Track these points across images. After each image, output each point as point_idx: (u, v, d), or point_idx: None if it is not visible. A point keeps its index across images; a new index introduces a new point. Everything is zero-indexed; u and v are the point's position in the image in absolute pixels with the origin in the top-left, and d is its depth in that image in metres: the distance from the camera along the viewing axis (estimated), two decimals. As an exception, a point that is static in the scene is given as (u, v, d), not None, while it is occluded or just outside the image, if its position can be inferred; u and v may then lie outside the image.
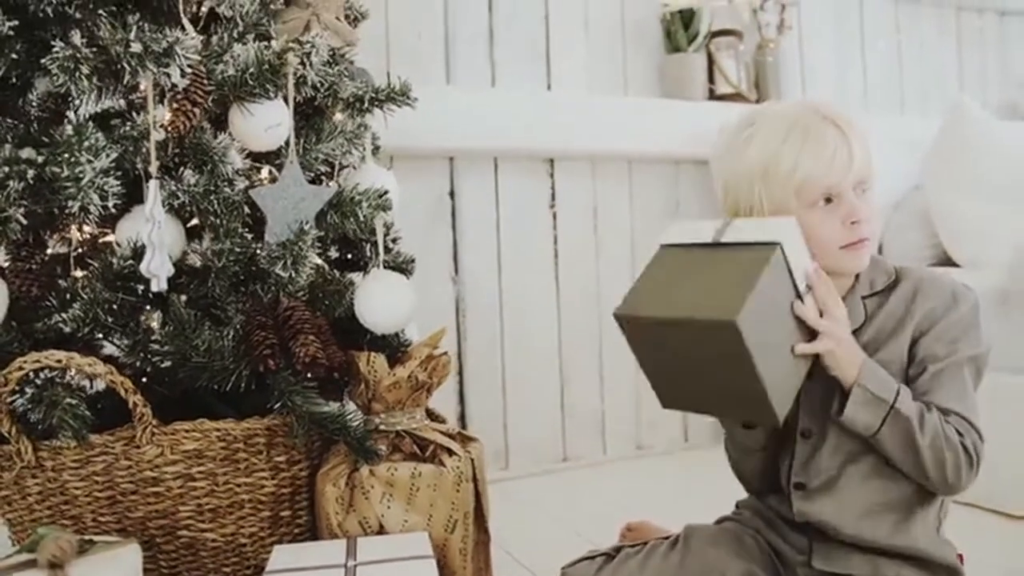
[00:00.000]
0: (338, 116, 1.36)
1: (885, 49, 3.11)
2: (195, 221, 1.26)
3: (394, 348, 1.34)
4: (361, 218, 1.20)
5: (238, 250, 1.16)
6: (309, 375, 1.16)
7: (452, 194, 2.35)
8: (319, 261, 1.27)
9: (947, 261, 2.24)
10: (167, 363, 1.11)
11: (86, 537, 0.99)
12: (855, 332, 1.03)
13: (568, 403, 2.46)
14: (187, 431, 1.14)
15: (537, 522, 1.93)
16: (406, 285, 1.23)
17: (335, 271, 1.30)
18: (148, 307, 1.14)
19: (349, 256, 1.42)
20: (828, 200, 1.02)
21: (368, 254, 1.37)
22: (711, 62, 2.67)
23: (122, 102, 1.18)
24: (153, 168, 1.08)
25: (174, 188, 1.14)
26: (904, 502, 1.02)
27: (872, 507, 1.02)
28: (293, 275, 1.14)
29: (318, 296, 1.24)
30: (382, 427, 1.22)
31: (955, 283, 1.03)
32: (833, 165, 1.01)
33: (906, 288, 1.04)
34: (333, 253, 1.42)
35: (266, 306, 1.17)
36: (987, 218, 2.10)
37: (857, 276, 1.06)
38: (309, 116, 1.38)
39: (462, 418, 2.32)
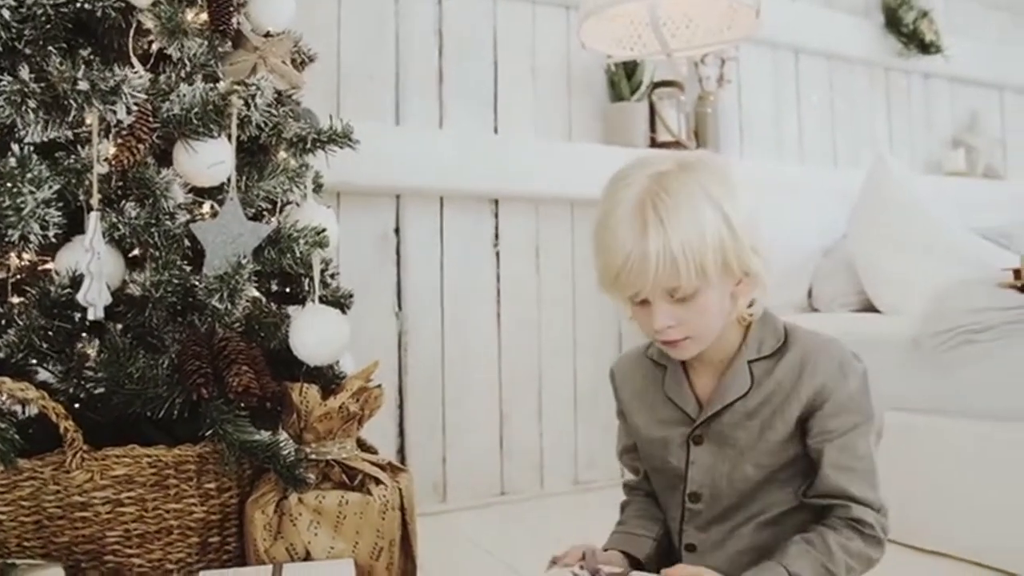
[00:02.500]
0: (281, 155, 1.41)
1: (818, 103, 3.27)
2: (136, 252, 1.29)
3: (329, 380, 1.38)
4: (298, 254, 1.25)
5: (176, 281, 1.19)
6: (242, 404, 1.19)
7: (397, 231, 2.40)
8: (256, 294, 1.32)
9: (871, 307, 2.35)
10: (100, 390, 1.14)
11: (8, 561, 1.01)
12: (741, 398, 1.05)
13: (507, 438, 2.51)
14: (118, 456, 1.16)
15: (471, 554, 1.97)
16: (340, 319, 1.28)
17: (272, 304, 1.34)
18: (84, 335, 1.17)
19: (288, 290, 1.46)
20: (643, 302, 0.99)
21: (306, 288, 1.42)
22: (653, 111, 2.79)
23: (68, 134, 1.21)
24: (95, 201, 1.12)
25: (115, 220, 1.17)
26: None
27: (762, 559, 1.04)
28: (229, 307, 1.18)
29: (254, 328, 1.28)
30: (312, 456, 1.26)
31: (843, 354, 1.03)
32: (619, 278, 0.96)
33: (793, 359, 1.04)
34: (273, 287, 1.46)
35: (202, 336, 1.21)
36: (905, 269, 2.21)
37: (746, 335, 1.06)
38: (253, 154, 1.42)
39: (401, 451, 2.35)
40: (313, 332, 1.25)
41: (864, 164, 2.66)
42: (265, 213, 1.42)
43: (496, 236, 2.54)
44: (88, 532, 1.17)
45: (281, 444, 1.19)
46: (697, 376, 1.12)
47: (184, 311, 1.25)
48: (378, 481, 1.25)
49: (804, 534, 1.02)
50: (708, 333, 1.03)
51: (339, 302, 1.44)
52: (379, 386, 1.35)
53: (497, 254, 2.54)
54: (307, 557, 1.20)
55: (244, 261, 1.20)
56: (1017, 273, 1.98)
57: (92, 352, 1.18)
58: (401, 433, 2.36)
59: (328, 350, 1.26)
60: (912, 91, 3.55)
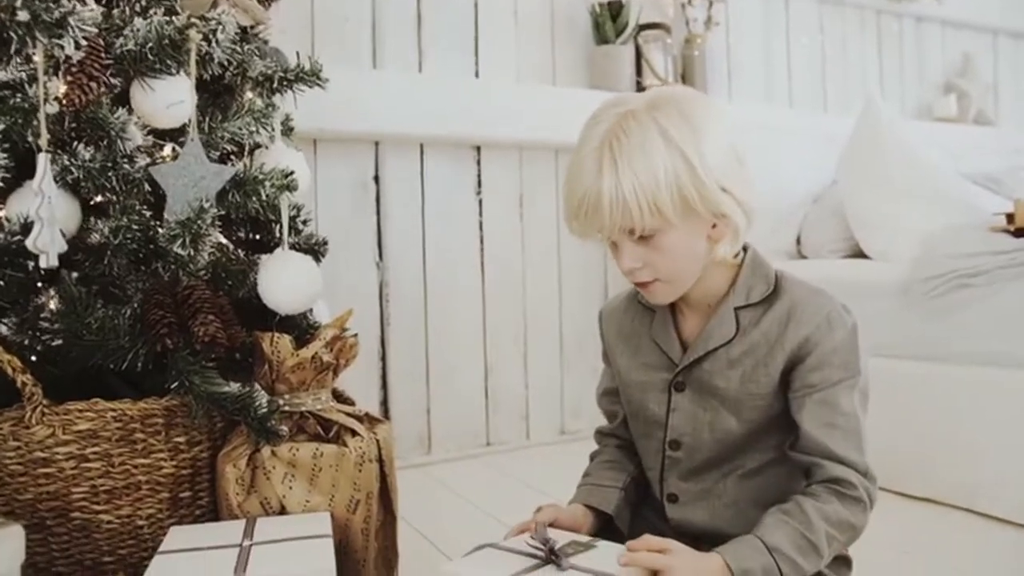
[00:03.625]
0: (247, 95, 1.34)
1: (808, 45, 3.20)
2: (99, 199, 1.23)
3: (303, 330, 1.33)
4: (264, 197, 1.19)
5: (136, 228, 1.14)
6: (209, 355, 1.14)
7: (377, 179, 2.34)
8: (223, 240, 1.26)
9: (860, 253, 2.32)
10: (58, 342, 1.09)
11: (-33, 519, 0.97)
12: (725, 345, 1.01)
13: (492, 388, 2.48)
14: (80, 411, 1.12)
15: (455, 505, 1.95)
16: (311, 265, 1.23)
17: (240, 252, 1.29)
18: (40, 285, 1.11)
19: (257, 237, 1.40)
20: (613, 241, 0.97)
21: (277, 235, 1.36)
22: (639, 55, 2.71)
23: (15, 72, 1.14)
24: (43, 141, 1.05)
25: (68, 163, 1.11)
26: (780, 498, 0.99)
27: (748, 509, 1.02)
28: (192, 253, 1.12)
29: (221, 276, 1.22)
30: (285, 408, 1.21)
31: (832, 306, 0.98)
32: (578, 217, 0.95)
33: (781, 309, 1.00)
34: (242, 235, 1.40)
35: (165, 285, 1.15)
36: (895, 214, 2.17)
37: (736, 280, 1.02)
38: (218, 95, 1.35)
39: (385, 403, 2.32)
40: (283, 278, 1.19)
41: (854, 110, 2.60)
42: (232, 157, 1.36)
43: (479, 183, 2.48)
44: (52, 489, 1.13)
45: (252, 395, 1.15)
46: (684, 320, 1.08)
47: (146, 260, 1.20)
48: (354, 433, 1.21)
49: (781, 504, 0.97)
50: (681, 276, 0.99)
51: (312, 249, 1.38)
52: (355, 335, 1.30)
53: (480, 202, 2.48)
54: (282, 511, 1.17)
55: (207, 205, 1.14)
56: (1010, 217, 1.94)
57: (51, 303, 1.12)
58: (384, 385, 2.33)
59: (299, 297, 1.21)
60: (904, 35, 3.47)
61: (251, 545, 1.03)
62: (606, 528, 1.10)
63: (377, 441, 1.24)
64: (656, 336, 1.09)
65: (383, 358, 2.32)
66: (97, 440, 1.13)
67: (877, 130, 2.32)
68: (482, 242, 2.48)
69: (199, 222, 1.12)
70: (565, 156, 2.58)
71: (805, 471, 1.01)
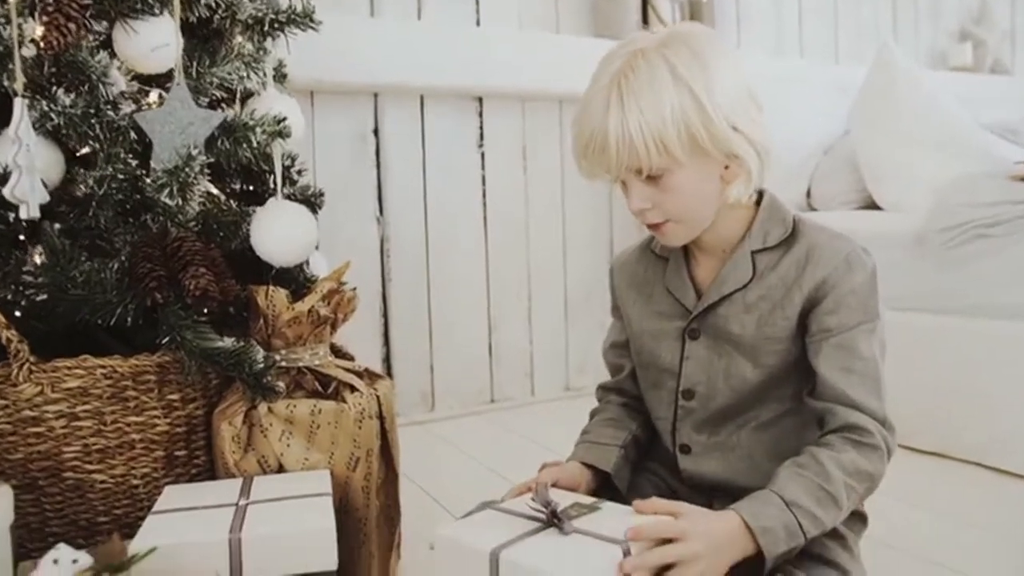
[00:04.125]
0: (237, 39, 1.28)
1: (820, -8, 3.10)
2: (83, 148, 1.18)
3: (299, 284, 1.29)
4: (255, 144, 1.13)
5: (122, 177, 1.09)
6: (202, 309, 1.10)
7: (376, 132, 2.27)
8: (213, 190, 1.21)
9: (873, 205, 2.26)
10: (43, 297, 1.04)
11: (-47, 479, 0.94)
12: (741, 289, 0.97)
13: (496, 344, 2.45)
14: (69, 368, 1.08)
15: (459, 462, 1.92)
16: (306, 215, 1.18)
17: (231, 202, 1.24)
18: (22, 237, 1.06)
19: (251, 188, 1.35)
20: (622, 182, 0.94)
21: (270, 186, 1.31)
22: (645, 1, 2.62)
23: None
24: (19, 85, 1.00)
25: (47, 109, 1.05)
26: (794, 453, 0.96)
27: (763, 461, 0.99)
28: (181, 203, 1.07)
29: (212, 227, 1.18)
30: (282, 364, 1.18)
31: (851, 248, 0.95)
32: (585, 157, 0.93)
33: (799, 251, 0.96)
34: (235, 187, 1.35)
35: (154, 237, 1.11)
36: (909, 163, 2.11)
37: (751, 224, 0.98)
38: (207, 39, 1.29)
39: (387, 360, 2.29)
40: (276, 228, 1.14)
41: (867, 60, 2.52)
42: (222, 105, 1.30)
43: (481, 136, 2.41)
44: (43, 448, 1.09)
45: (247, 351, 1.11)
46: (699, 267, 1.04)
47: (134, 211, 1.15)
48: (353, 388, 1.17)
49: (795, 458, 0.93)
50: (692, 217, 0.95)
51: (309, 201, 1.33)
52: (353, 289, 1.25)
53: (482, 155, 2.42)
54: (280, 469, 1.14)
55: (195, 152, 1.08)
56: (1030, 165, 1.88)
57: (35, 257, 1.08)
58: (386, 342, 2.29)
59: (293, 248, 1.16)
60: (919, -20, 3.37)
61: (248, 504, 1.00)
62: (604, 486, 1.07)
63: (377, 397, 1.20)
64: (669, 284, 1.05)
65: (385, 314, 2.28)
66: (88, 398, 1.09)
67: (891, 77, 2.25)
68: (484, 196, 2.42)
69: (187, 170, 1.07)
70: (569, 107, 2.52)
71: (820, 420, 0.97)
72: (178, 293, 1.09)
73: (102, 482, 1.12)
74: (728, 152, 0.91)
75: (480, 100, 2.41)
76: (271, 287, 1.16)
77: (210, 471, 1.20)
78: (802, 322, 0.96)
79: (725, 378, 1.00)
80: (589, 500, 0.99)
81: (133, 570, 0.88)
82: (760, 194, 1.00)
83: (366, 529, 1.16)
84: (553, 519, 0.91)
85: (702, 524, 0.84)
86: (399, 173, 2.30)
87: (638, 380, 1.13)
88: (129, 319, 1.08)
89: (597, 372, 2.66)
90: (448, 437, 2.13)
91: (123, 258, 1.10)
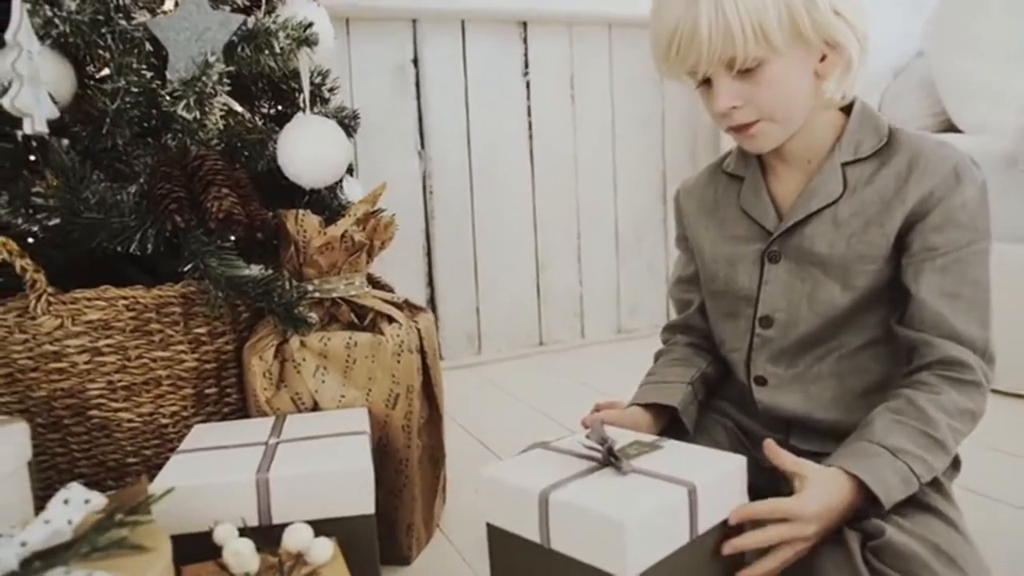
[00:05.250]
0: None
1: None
2: (105, 72, 1.09)
3: (333, 211, 1.20)
4: (278, 51, 1.03)
5: (136, 91, 0.99)
6: (227, 235, 1.01)
7: (416, 61, 2.15)
8: (237, 107, 1.11)
9: (950, 128, 2.08)
10: (55, 221, 0.97)
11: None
12: (830, 205, 0.88)
13: (544, 286, 2.34)
14: (89, 299, 1.01)
15: (507, 405, 1.84)
16: (337, 131, 1.07)
17: (256, 119, 1.14)
18: (31, 157, 0.98)
19: (280, 108, 1.25)
20: (706, 80, 0.85)
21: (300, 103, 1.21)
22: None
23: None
24: (17, -15, 0.91)
25: (51, 14, 0.96)
26: (880, 387, 0.89)
27: (845, 396, 0.90)
28: (199, 116, 0.98)
29: (236, 146, 1.09)
30: (315, 294, 1.09)
31: (960, 157, 0.84)
32: (670, 51, 0.84)
33: (899, 162, 0.86)
34: (264, 108, 1.25)
35: (173, 157, 1.02)
36: (996, 80, 1.93)
37: (840, 135, 0.89)
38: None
39: (432, 301, 2.20)
40: (304, 145, 1.05)
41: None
42: (246, 12, 1.20)
43: (526, 63, 2.28)
44: (67, 385, 1.03)
45: (276, 279, 1.02)
46: (779, 183, 0.95)
47: (153, 131, 1.06)
48: (391, 320, 1.08)
49: (887, 404, 0.84)
50: (786, 116, 0.86)
51: (342, 123, 1.23)
52: (392, 214, 1.16)
53: (527, 84, 2.28)
54: (315, 408, 1.06)
55: (213, 60, 0.99)
56: None
57: (50, 179, 1.00)
58: (431, 283, 2.20)
59: (324, 167, 1.06)
60: None
61: (279, 443, 0.92)
62: (669, 430, 0.98)
63: (418, 331, 1.11)
64: (746, 204, 0.96)
65: (428, 254, 2.19)
66: (110, 331, 1.02)
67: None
68: (530, 128, 2.29)
69: (204, 79, 0.97)
70: (619, 31, 2.36)
71: (911, 350, 0.86)
72: (200, 216, 1.00)
73: (129, 421, 1.06)
74: (829, 39, 0.83)
75: (524, 25, 2.26)
76: (301, 211, 1.07)
77: (243, 410, 1.13)
78: (901, 240, 0.86)
79: (809, 303, 0.91)
80: (650, 438, 0.89)
81: (153, 512, 0.81)
82: (851, 103, 0.90)
83: (407, 471, 1.08)
84: (610, 458, 0.81)
85: (822, 504, 0.76)
86: (440, 105, 2.18)
87: (707, 314, 1.05)
88: (150, 246, 1.00)
89: (650, 314, 2.56)
90: (496, 380, 2.05)
91: (142, 182, 1.01)
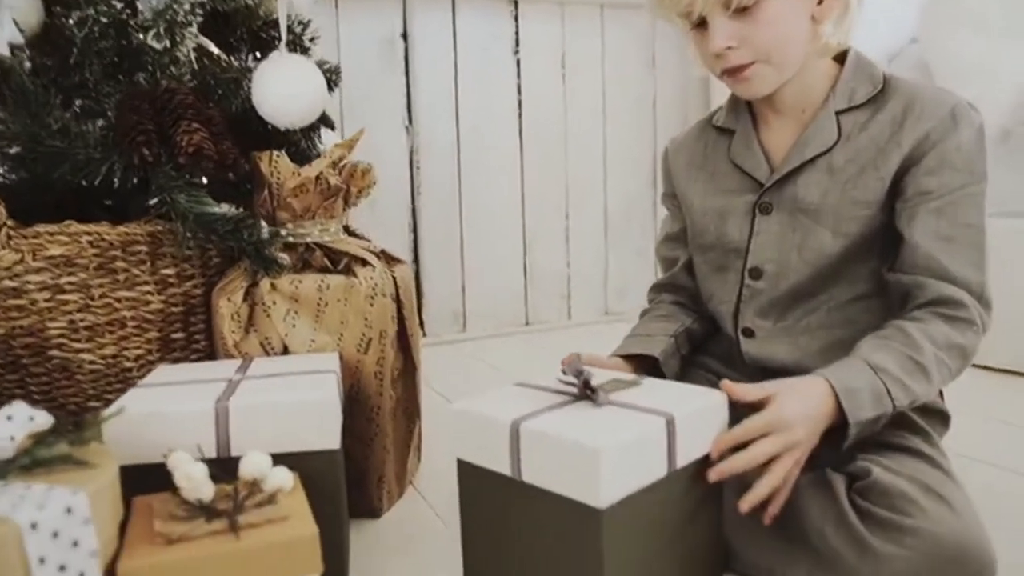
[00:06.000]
0: None
1: None
2: None
3: (310, 159, 1.16)
4: (253, -18, 1.00)
5: (105, 20, 0.96)
6: (196, 170, 0.98)
7: (405, 36, 2.13)
8: (213, 48, 1.08)
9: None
10: (15, 149, 0.93)
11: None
12: (825, 153, 0.86)
13: (531, 264, 2.32)
14: (51, 234, 0.97)
15: (491, 378, 1.81)
16: (312, 70, 1.04)
17: (232, 59, 1.11)
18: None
19: (259, 54, 1.22)
20: (700, 22, 0.84)
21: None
22: None
23: None
24: None
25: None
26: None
27: (835, 346, 0.88)
28: (169, 46, 0.95)
29: (210, 84, 1.05)
30: (288, 238, 1.06)
31: (957, 100, 0.83)
32: None
33: (895, 107, 0.84)
34: (243, 53, 1.22)
35: (143, 91, 0.99)
36: (986, 59, 1.91)
37: (834, 84, 0.88)
38: None
39: (417, 277, 2.17)
40: (279, 82, 1.01)
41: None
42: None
43: (516, 41, 2.25)
44: (26, 323, 0.99)
45: (246, 218, 0.99)
46: (772, 134, 0.93)
47: (124, 68, 1.03)
48: (365, 263, 1.05)
49: (877, 331, 0.82)
50: (782, 58, 0.85)
51: (323, 72, 1.20)
52: (368, 164, 1.13)
53: (518, 62, 2.26)
54: (285, 353, 1.03)
55: (184, -13, 0.96)
56: None
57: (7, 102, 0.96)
58: (416, 259, 2.17)
59: (299, 105, 1.03)
60: None
61: (243, 379, 0.89)
62: None
63: (394, 279, 1.08)
64: (737, 157, 0.95)
65: (414, 229, 2.16)
66: (73, 268, 0.99)
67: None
68: (520, 106, 2.27)
69: (175, 7, 0.94)
70: (611, 12, 2.34)
71: (904, 295, 0.84)
72: (169, 152, 0.97)
73: (91, 363, 1.02)
74: None
75: (515, 3, 2.24)
76: (275, 152, 1.04)
77: (211, 357, 1.10)
78: (896, 185, 0.84)
79: (800, 252, 0.89)
80: (629, 376, 0.86)
81: (108, 442, 0.78)
82: (845, 53, 0.90)
83: (379, 420, 1.04)
84: (586, 391, 0.79)
85: (799, 406, 0.75)
86: (429, 80, 2.15)
87: (695, 271, 1.03)
88: (116, 180, 0.97)
89: (639, 297, 2.50)
90: (481, 356, 2.02)
91: (109, 115, 0.98)
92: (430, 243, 2.18)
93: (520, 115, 2.27)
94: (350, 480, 1.02)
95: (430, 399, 1.51)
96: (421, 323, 2.14)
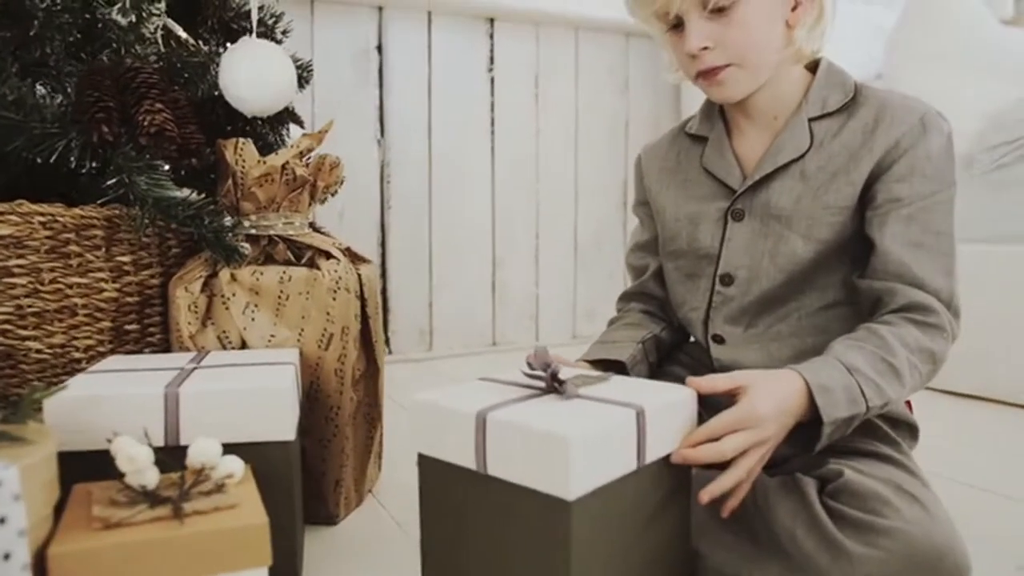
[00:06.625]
0: None
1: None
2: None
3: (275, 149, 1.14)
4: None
5: (69, -6, 0.93)
6: (158, 152, 0.94)
7: (380, 48, 2.12)
8: (181, 33, 1.06)
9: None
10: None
11: None
12: (797, 160, 0.86)
13: (500, 285, 2.29)
14: (1, 213, 0.93)
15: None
16: (282, 57, 1.02)
17: (200, 43, 1.08)
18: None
19: (228, 44, 1.19)
20: (676, 24, 0.85)
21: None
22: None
23: None
24: None
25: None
26: None
27: (806, 353, 0.86)
28: (135, 21, 0.92)
29: (176, 67, 1.02)
30: (251, 230, 1.02)
31: (926, 109, 0.83)
32: None
33: (866, 115, 0.85)
34: (212, 43, 1.20)
35: (106, 68, 0.95)
36: (954, 89, 1.95)
37: (807, 92, 0.88)
38: None
39: (384, 293, 2.13)
40: (247, 66, 0.99)
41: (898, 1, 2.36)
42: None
43: (491, 60, 2.25)
44: (-31, 306, 0.95)
45: (208, 204, 0.96)
46: (744, 142, 0.93)
47: (86, 46, 1.00)
48: (329, 255, 1.02)
49: (849, 334, 0.81)
50: (756, 61, 0.85)
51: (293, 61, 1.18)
52: (337, 157, 1.10)
53: (492, 80, 2.26)
54: (243, 347, 0.99)
55: (152, -37, 0.93)
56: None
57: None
58: (384, 273, 2.14)
59: (267, 92, 1.00)
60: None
61: (196, 368, 0.85)
62: None
63: (359, 275, 1.05)
64: (709, 164, 0.94)
65: (383, 243, 2.13)
66: (22, 251, 0.94)
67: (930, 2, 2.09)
68: (493, 124, 2.26)
69: (142, -18, 0.91)
70: (586, 35, 2.36)
71: (875, 302, 0.83)
72: (131, 133, 0.93)
73: (37, 351, 0.97)
74: None
75: (492, 21, 2.24)
76: (241, 140, 1.01)
77: (166, 350, 1.05)
78: (866, 191, 0.84)
79: (772, 258, 0.88)
80: (596, 373, 0.84)
81: (49, 423, 0.73)
82: (817, 62, 0.90)
83: (339, 421, 1.01)
84: (553, 383, 0.76)
85: (772, 402, 0.72)
86: (402, 94, 2.14)
87: (665, 278, 1.02)
88: (73, 159, 0.93)
89: (608, 319, 2.50)
90: (448, 373, 1.98)
91: (69, 91, 0.95)
92: (398, 258, 2.15)
93: (493, 133, 2.26)
94: (305, 484, 0.98)
95: (393, 413, 1.47)
96: (387, 340, 2.10)
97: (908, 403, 0.94)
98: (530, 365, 0.79)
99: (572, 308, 2.40)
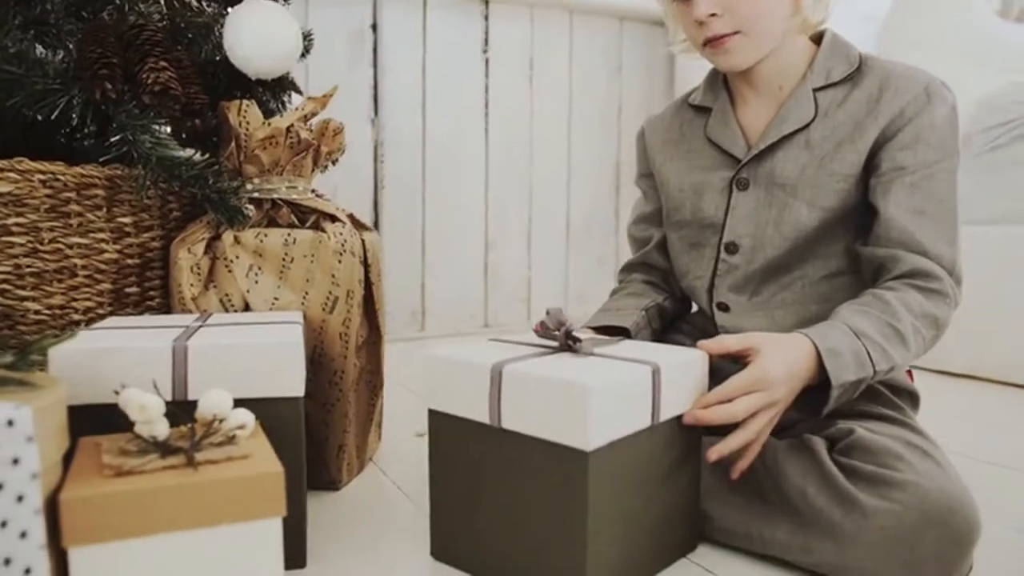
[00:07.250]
0: None
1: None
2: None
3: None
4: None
5: (71, -51, 0.92)
6: (162, 109, 0.93)
7: (375, 27, 2.10)
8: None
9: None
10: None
11: None
12: (802, 129, 0.87)
13: (492, 266, 2.29)
14: (1, 170, 0.91)
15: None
16: (288, 18, 1.01)
17: (203, 4, 1.07)
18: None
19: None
20: None
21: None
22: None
23: None
24: None
25: None
26: None
27: (810, 320, 0.87)
28: (138, -23, 0.90)
29: (180, 27, 1.01)
30: (255, 193, 1.01)
31: (930, 79, 0.84)
32: None
33: (870, 84, 0.85)
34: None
35: (109, 25, 0.94)
36: (945, 74, 1.96)
37: (811, 62, 0.88)
38: None
39: (375, 273, 2.12)
40: (251, 26, 0.97)
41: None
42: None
43: (486, 41, 2.24)
44: (-33, 265, 0.93)
45: (212, 164, 0.94)
46: (749, 111, 0.94)
47: (89, 5, 0.98)
48: (334, 219, 1.01)
49: (854, 299, 0.82)
50: (762, 29, 0.85)
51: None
52: (340, 123, 1.09)
53: (486, 62, 2.25)
54: (246, 310, 0.98)
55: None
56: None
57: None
58: (375, 254, 2.12)
59: (272, 53, 0.99)
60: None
61: (201, 326, 0.84)
62: None
63: (363, 241, 1.04)
64: (713, 134, 0.95)
65: (376, 223, 2.12)
66: (22, 209, 0.93)
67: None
68: (487, 105, 2.25)
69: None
70: (580, 18, 2.35)
71: (878, 269, 0.84)
72: (134, 91, 0.92)
73: (36, 312, 0.96)
74: None
75: (486, 2, 2.23)
76: (245, 102, 1.00)
77: (166, 313, 1.04)
78: (871, 160, 0.85)
79: (776, 226, 0.89)
80: (607, 337, 0.84)
81: (54, 373, 0.72)
82: (822, 34, 0.91)
83: (342, 385, 1.00)
84: (567, 341, 0.76)
85: (783, 364, 0.73)
86: (397, 74, 2.13)
87: (668, 249, 1.03)
88: (75, 116, 0.91)
89: (598, 304, 2.50)
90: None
91: (71, 48, 0.93)
92: (391, 239, 2.13)
93: (487, 115, 2.25)
94: (308, 449, 0.97)
95: (388, 389, 1.46)
96: (378, 319, 2.09)
97: (909, 372, 0.95)
98: (544, 325, 0.79)
99: (564, 291, 2.40)
